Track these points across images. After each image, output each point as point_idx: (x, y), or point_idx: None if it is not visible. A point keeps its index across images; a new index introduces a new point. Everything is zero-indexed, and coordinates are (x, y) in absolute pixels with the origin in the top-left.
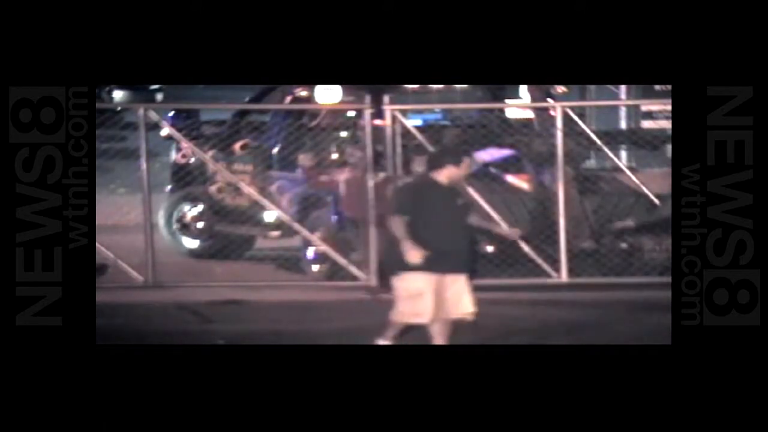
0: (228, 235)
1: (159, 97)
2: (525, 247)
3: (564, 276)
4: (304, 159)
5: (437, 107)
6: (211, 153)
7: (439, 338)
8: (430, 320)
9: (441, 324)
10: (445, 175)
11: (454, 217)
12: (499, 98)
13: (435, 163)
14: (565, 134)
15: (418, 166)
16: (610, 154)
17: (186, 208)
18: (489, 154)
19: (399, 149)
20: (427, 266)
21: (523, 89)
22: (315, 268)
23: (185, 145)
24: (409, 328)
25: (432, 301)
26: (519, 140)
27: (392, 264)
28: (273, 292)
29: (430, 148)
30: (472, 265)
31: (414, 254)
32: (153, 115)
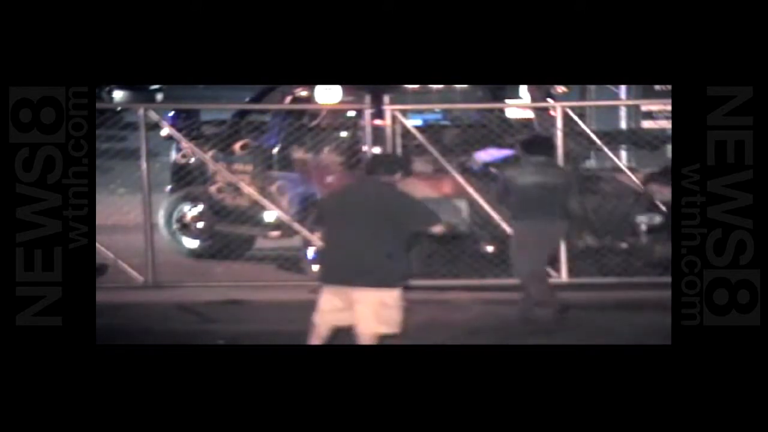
0: (228, 235)
1: (159, 97)
2: None
3: (564, 276)
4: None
5: (437, 107)
6: (211, 153)
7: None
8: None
9: None
10: (397, 179)
11: None
12: (499, 98)
13: (391, 167)
14: (565, 134)
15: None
16: (610, 154)
17: (186, 208)
18: (489, 154)
19: (399, 149)
20: None
21: (523, 89)
22: (315, 268)
23: (185, 145)
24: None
25: None
26: (519, 140)
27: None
28: (273, 292)
29: (431, 148)
30: None
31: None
32: (153, 115)
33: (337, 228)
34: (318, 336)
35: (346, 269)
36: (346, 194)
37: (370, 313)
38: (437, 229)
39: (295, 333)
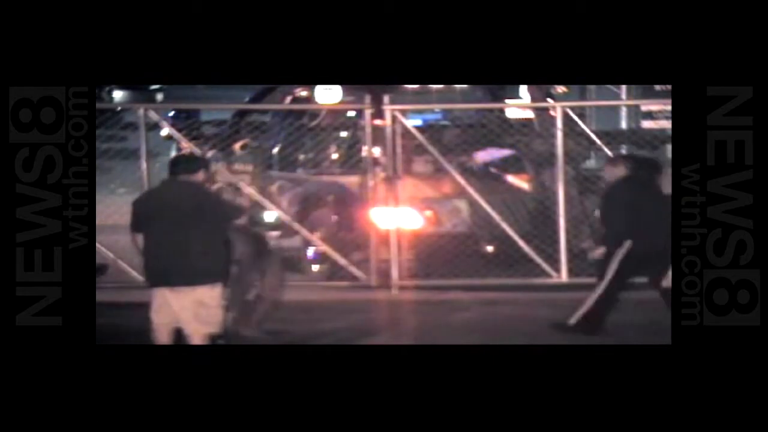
0: None
1: (159, 97)
2: (525, 247)
3: (564, 276)
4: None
5: (437, 107)
6: (211, 153)
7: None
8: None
9: None
10: (200, 177)
11: None
12: (499, 98)
13: (191, 167)
14: (565, 134)
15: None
16: (610, 154)
17: None
18: (489, 154)
19: (399, 149)
20: None
21: (523, 89)
22: (315, 268)
23: (185, 145)
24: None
25: None
26: (519, 140)
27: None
28: None
29: (431, 148)
30: None
31: None
32: (153, 115)
33: (152, 230)
34: (160, 338)
35: (163, 270)
36: (155, 197)
37: (189, 313)
38: (242, 221)
39: (295, 333)
